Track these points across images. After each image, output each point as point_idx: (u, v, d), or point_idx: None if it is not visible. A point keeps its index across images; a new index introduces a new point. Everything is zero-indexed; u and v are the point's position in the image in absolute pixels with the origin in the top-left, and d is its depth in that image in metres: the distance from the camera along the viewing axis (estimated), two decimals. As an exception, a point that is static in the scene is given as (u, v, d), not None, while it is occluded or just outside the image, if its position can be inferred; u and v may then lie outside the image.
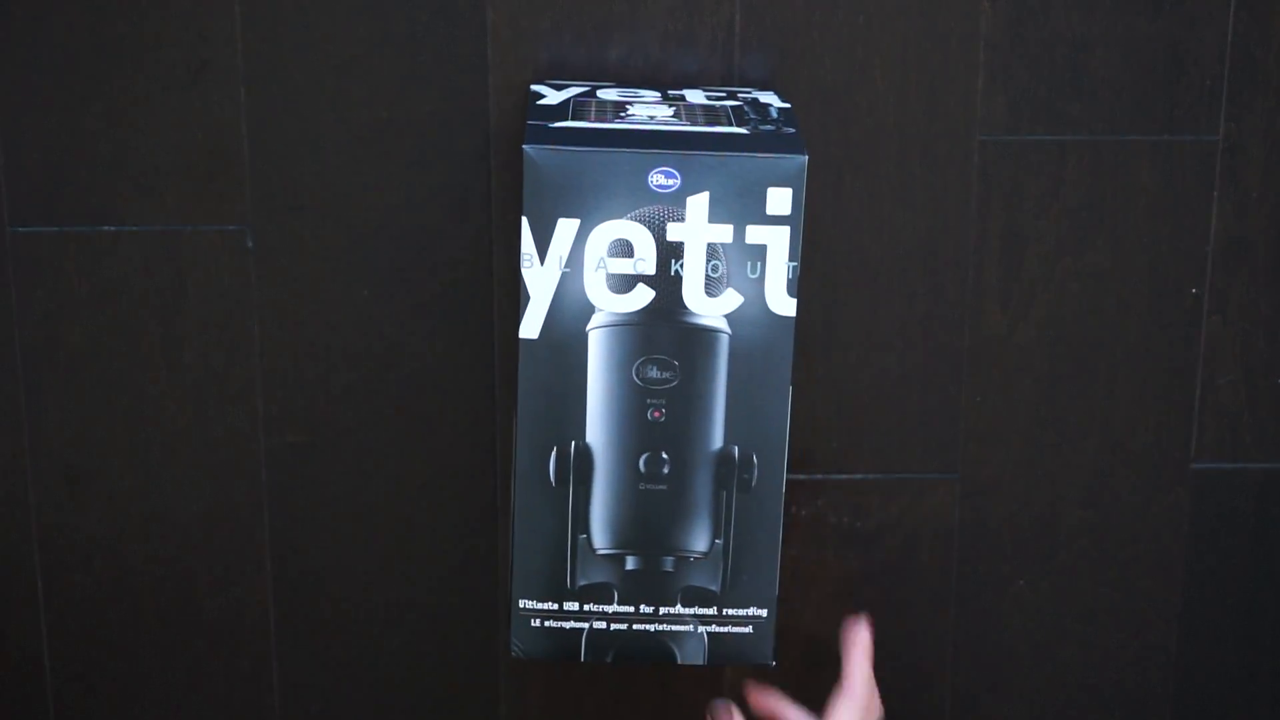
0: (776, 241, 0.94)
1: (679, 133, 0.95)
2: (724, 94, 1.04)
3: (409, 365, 1.12)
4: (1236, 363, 1.13)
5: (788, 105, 1.02)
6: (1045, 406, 1.14)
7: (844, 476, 1.15)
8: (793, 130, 0.97)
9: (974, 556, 1.17)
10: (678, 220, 0.94)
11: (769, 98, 1.04)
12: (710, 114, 0.99)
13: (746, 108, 1.01)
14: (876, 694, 1.05)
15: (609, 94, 1.03)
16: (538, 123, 0.96)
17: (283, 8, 1.07)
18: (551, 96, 1.02)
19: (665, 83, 1.08)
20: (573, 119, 0.97)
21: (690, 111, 1.00)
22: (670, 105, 1.01)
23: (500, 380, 1.13)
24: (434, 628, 1.17)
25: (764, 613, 1.00)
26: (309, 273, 1.11)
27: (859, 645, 1.04)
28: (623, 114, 0.98)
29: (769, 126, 0.97)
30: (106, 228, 1.10)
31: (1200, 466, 1.15)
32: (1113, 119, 1.09)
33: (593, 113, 0.98)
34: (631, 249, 0.94)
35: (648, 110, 0.99)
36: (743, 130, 0.96)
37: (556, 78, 1.08)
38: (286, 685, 1.18)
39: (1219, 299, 1.12)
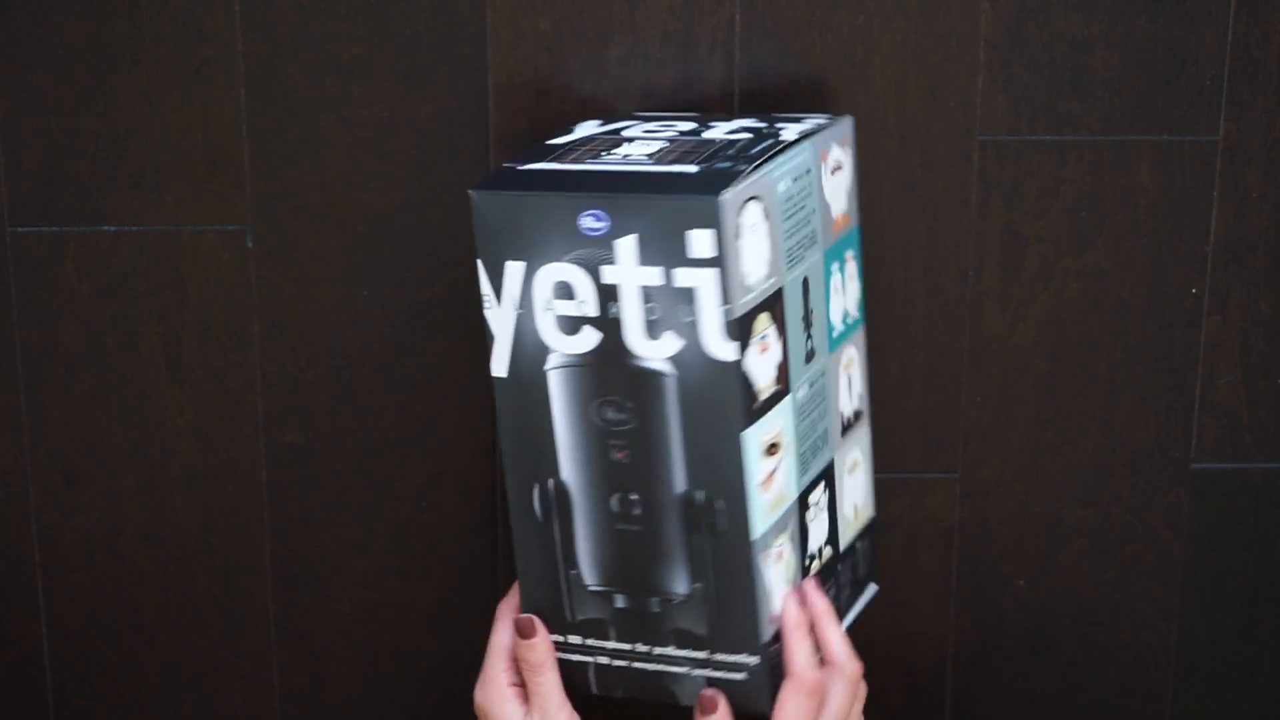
0: (705, 284, 0.89)
1: (620, 173, 0.91)
2: (763, 124, 1.00)
3: (409, 365, 1.12)
4: (1236, 363, 1.13)
5: (812, 128, 0.98)
6: (1045, 406, 1.14)
7: (844, 476, 1.15)
8: (745, 168, 0.90)
9: (974, 556, 1.17)
10: (610, 263, 0.90)
11: (809, 123, 0.99)
12: (704, 148, 0.95)
13: (746, 140, 0.96)
14: (844, 669, 0.97)
15: (634, 129, 1.00)
16: (510, 165, 0.94)
17: (283, 8, 1.07)
18: (578, 132, 0.99)
19: (665, 82, 1.07)
20: (550, 160, 0.94)
21: (684, 146, 0.95)
22: (670, 141, 0.97)
23: (500, 380, 1.13)
24: (434, 628, 1.17)
25: (754, 660, 0.95)
26: (309, 273, 1.11)
27: (794, 624, 0.95)
28: (608, 153, 0.95)
29: (725, 164, 0.91)
30: (106, 228, 1.10)
31: (1200, 466, 1.15)
32: (1113, 119, 1.09)
33: (575, 153, 0.95)
34: (572, 291, 0.91)
35: (643, 148, 0.95)
36: (691, 169, 0.91)
37: (556, 78, 1.07)
38: (286, 685, 1.18)
39: (1219, 299, 1.12)
